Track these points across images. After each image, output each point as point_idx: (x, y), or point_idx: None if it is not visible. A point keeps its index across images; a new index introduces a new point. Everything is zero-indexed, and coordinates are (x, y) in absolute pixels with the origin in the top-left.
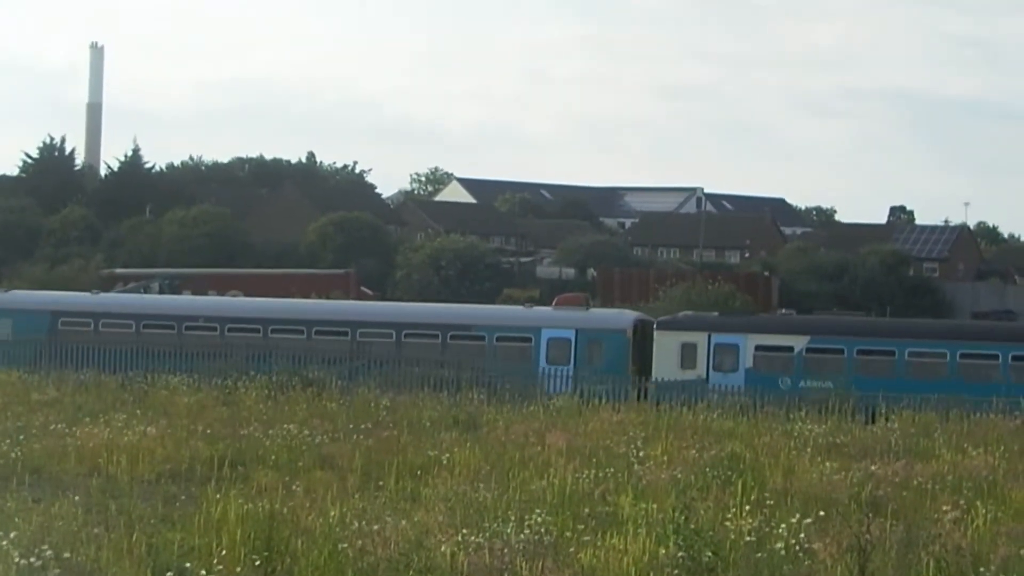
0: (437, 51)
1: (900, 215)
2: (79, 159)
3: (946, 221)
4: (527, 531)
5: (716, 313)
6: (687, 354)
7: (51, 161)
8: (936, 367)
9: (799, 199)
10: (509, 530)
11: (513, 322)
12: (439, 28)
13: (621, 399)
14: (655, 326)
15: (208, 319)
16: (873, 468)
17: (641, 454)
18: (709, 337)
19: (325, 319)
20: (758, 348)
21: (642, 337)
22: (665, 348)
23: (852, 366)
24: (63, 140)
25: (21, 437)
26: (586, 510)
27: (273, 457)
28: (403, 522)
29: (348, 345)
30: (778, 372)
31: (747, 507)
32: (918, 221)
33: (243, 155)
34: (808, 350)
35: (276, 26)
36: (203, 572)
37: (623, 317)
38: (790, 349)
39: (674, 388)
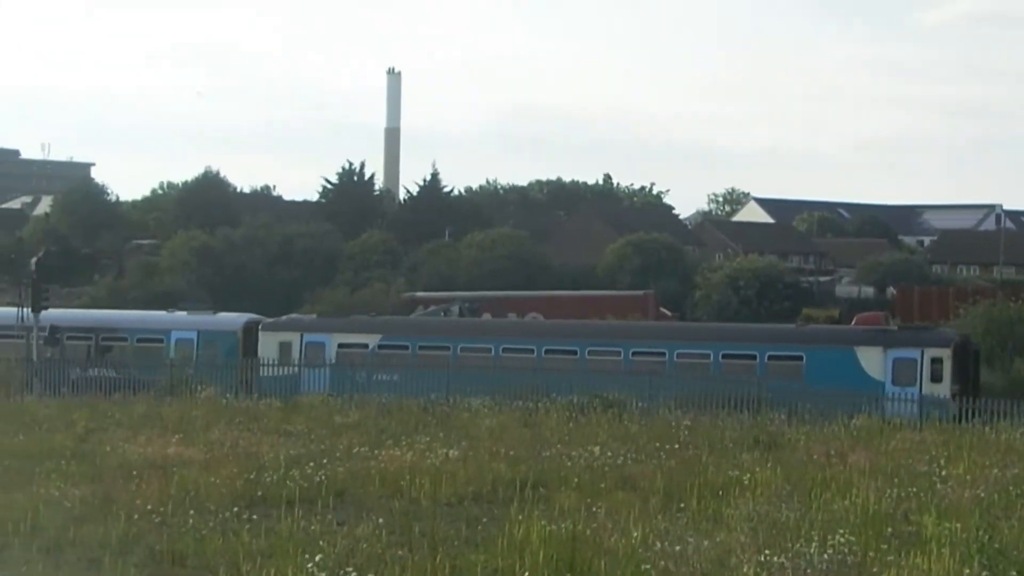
0: (731, 73)
1: None
2: (378, 184)
3: None
4: (830, 551)
5: (315, 316)
6: (284, 351)
7: (350, 186)
8: (484, 360)
9: None
10: (812, 550)
11: (149, 325)
12: (732, 51)
13: None
14: (260, 327)
15: None
16: None
17: (943, 472)
18: (302, 337)
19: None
20: (341, 346)
21: (254, 337)
22: (268, 346)
23: (415, 361)
24: (362, 165)
25: (325, 460)
26: (889, 530)
27: (576, 479)
28: (705, 543)
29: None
30: (356, 367)
31: None
32: None
33: (540, 178)
34: (380, 347)
35: (570, 52)
36: None
37: (236, 320)
38: (365, 346)
39: (273, 382)
